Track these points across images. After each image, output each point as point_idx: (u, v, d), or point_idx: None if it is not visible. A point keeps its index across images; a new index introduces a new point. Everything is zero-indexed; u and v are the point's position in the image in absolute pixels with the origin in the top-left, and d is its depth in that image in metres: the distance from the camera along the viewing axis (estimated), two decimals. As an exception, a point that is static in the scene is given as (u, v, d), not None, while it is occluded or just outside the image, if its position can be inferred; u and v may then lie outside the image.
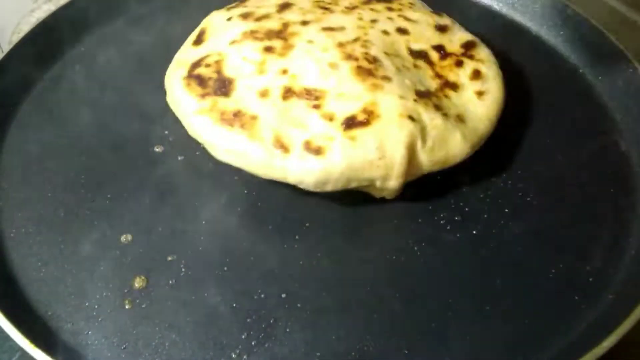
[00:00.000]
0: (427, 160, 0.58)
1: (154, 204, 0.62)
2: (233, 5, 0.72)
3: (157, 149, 0.67)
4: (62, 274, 0.57)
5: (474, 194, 0.63)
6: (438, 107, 0.60)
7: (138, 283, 0.56)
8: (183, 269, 0.57)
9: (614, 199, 0.63)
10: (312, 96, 0.59)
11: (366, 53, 0.63)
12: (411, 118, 0.58)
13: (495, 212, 0.62)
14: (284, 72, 0.61)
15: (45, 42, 0.76)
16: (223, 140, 0.58)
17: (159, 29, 0.81)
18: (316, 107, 0.58)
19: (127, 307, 0.55)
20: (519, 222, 0.61)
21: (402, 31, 0.67)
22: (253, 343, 0.53)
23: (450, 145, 0.59)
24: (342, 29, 0.66)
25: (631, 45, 0.73)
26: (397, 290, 0.56)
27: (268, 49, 0.63)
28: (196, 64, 0.64)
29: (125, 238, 0.60)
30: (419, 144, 0.57)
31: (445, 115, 0.60)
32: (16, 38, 0.79)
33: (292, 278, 0.57)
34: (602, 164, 0.66)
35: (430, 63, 0.65)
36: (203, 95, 0.61)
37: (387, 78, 0.61)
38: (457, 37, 0.69)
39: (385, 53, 0.64)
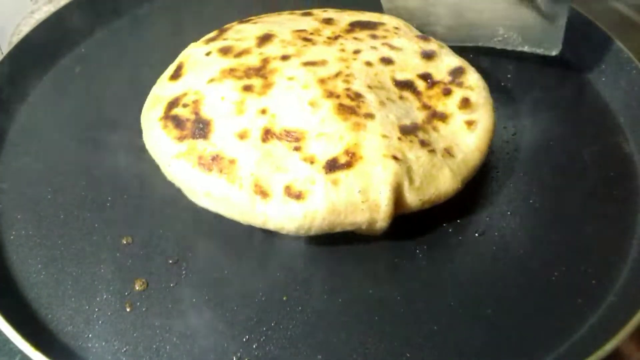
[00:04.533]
0: (416, 199, 0.56)
1: (155, 206, 0.62)
2: (212, 36, 0.70)
3: (158, 151, 0.67)
4: (62, 276, 0.57)
5: (476, 196, 0.63)
6: (424, 143, 0.58)
7: (139, 286, 0.56)
8: (184, 272, 0.57)
9: (617, 200, 0.63)
10: (292, 137, 0.57)
11: (348, 89, 0.60)
12: (395, 158, 0.56)
13: (497, 215, 0.61)
14: (264, 112, 0.59)
15: (45, 43, 0.76)
16: (201, 185, 0.57)
17: (158, 30, 0.81)
18: (297, 149, 0.57)
19: (127, 309, 0.55)
20: (521, 224, 0.60)
21: (386, 61, 0.65)
22: (254, 346, 0.52)
23: (440, 182, 0.57)
24: (323, 62, 0.63)
25: (634, 46, 0.73)
26: (398, 292, 0.56)
27: (247, 88, 0.61)
28: (173, 103, 0.62)
29: (126, 240, 0.59)
30: (405, 184, 0.56)
31: (432, 151, 0.58)
32: (16, 39, 0.79)
33: (293, 281, 0.56)
34: (605, 166, 0.66)
35: (416, 93, 0.63)
36: (180, 138, 0.59)
37: (370, 115, 0.58)
38: (445, 63, 0.66)
39: (369, 87, 0.61)
